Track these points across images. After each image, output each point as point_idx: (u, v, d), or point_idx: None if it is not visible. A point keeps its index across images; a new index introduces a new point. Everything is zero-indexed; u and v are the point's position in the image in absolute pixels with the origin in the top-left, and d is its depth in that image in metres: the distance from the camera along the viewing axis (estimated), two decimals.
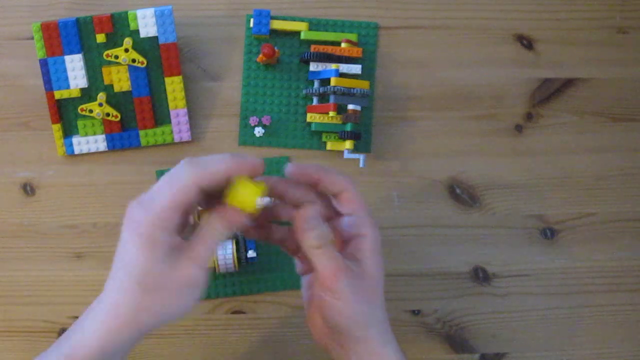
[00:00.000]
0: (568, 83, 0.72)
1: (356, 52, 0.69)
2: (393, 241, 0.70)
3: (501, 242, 0.71)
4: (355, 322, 0.50)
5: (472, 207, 0.71)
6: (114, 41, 0.67)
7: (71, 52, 0.66)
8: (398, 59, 0.71)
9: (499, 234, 0.71)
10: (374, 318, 0.51)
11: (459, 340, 0.71)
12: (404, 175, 0.71)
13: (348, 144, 0.68)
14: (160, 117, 0.69)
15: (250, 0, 0.70)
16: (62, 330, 0.69)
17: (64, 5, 0.69)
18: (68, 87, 0.67)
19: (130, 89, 0.67)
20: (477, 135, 0.71)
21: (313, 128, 0.69)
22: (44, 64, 0.66)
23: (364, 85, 0.68)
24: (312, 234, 0.49)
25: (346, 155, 0.68)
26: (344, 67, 0.68)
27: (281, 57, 0.70)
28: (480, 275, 0.71)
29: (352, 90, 0.67)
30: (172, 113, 0.68)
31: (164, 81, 0.68)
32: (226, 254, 0.66)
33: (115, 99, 0.68)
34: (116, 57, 0.66)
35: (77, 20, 0.66)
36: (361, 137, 0.68)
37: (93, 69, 0.68)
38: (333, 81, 0.67)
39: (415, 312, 0.70)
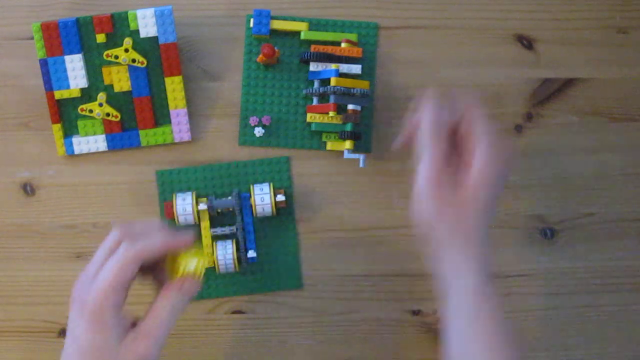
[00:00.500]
0: (568, 83, 0.72)
1: (356, 52, 0.69)
2: (393, 241, 0.70)
3: (501, 242, 0.71)
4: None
5: None
6: (114, 41, 0.67)
7: (71, 52, 0.66)
8: (398, 59, 0.71)
9: (499, 234, 0.71)
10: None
11: None
12: (404, 175, 0.70)
13: (348, 144, 0.68)
14: (160, 117, 0.69)
15: (250, 0, 0.70)
16: (62, 330, 0.69)
17: (64, 5, 0.69)
18: (68, 87, 0.67)
19: (130, 89, 0.67)
20: None
21: (313, 128, 0.69)
22: (44, 64, 0.66)
23: (364, 85, 0.68)
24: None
25: (346, 155, 0.68)
26: (344, 67, 0.68)
27: (281, 57, 0.70)
28: None
29: (352, 90, 0.67)
30: (172, 113, 0.68)
31: (164, 81, 0.68)
32: (226, 254, 0.66)
33: (115, 99, 0.68)
34: (116, 57, 0.66)
35: (77, 20, 0.66)
36: (361, 137, 0.68)
37: (93, 69, 0.68)
38: (333, 81, 0.67)
39: (415, 312, 0.70)
